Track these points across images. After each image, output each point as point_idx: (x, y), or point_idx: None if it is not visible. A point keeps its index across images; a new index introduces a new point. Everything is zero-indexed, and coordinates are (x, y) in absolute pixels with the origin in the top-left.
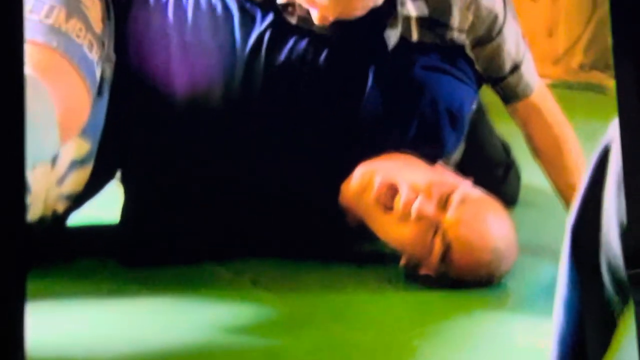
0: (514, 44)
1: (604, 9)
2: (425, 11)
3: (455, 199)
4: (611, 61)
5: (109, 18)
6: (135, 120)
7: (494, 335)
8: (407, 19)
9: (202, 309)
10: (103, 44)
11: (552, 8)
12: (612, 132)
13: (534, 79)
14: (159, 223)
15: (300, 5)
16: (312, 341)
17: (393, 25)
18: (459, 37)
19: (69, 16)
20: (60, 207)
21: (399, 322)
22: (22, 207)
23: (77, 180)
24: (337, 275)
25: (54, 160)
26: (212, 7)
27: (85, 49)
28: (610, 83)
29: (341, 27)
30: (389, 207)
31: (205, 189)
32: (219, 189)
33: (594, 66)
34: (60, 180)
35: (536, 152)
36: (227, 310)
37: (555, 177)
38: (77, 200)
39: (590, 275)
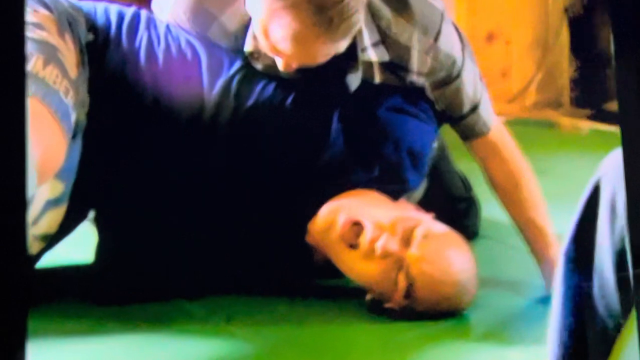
0: (472, 85)
1: (555, 52)
2: (385, 56)
3: (418, 234)
4: (563, 99)
5: (83, 64)
6: (109, 163)
7: None
8: (369, 63)
9: (175, 345)
10: (78, 89)
11: (506, 51)
12: (602, 169)
13: (491, 117)
14: (133, 262)
15: (265, 53)
16: None
17: (355, 69)
18: (419, 79)
19: (46, 63)
20: (34, 248)
21: (367, 354)
22: (23, 247)
23: (51, 220)
24: (306, 310)
25: (28, 201)
26: (182, 53)
27: (62, 95)
28: (562, 120)
29: (306, 73)
30: (353, 245)
31: (177, 229)
32: (190, 229)
33: (546, 104)
34: (35, 221)
35: (495, 186)
36: (201, 346)
37: (513, 210)
38: (50, 241)
39: (583, 300)
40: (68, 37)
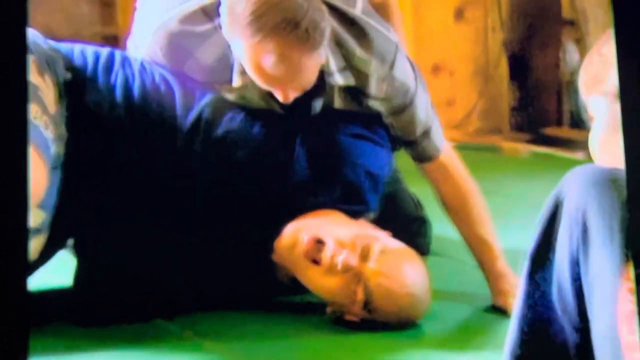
0: (424, 111)
1: (495, 82)
2: (351, 81)
3: (375, 250)
4: (503, 125)
5: (61, 101)
6: (86, 194)
7: None
8: (331, 88)
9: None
10: (57, 124)
11: (450, 82)
12: (563, 185)
13: (442, 141)
14: (110, 286)
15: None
16: None
17: (320, 95)
18: (375, 104)
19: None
20: None
21: None
22: (24, 269)
23: (33, 248)
24: (272, 323)
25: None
26: (156, 87)
27: (42, 129)
28: (503, 144)
29: (274, 102)
30: (316, 261)
31: (151, 253)
32: (164, 252)
33: (488, 130)
34: None
35: (446, 206)
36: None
37: (462, 227)
38: (31, 267)
39: (543, 299)
40: (47, 76)
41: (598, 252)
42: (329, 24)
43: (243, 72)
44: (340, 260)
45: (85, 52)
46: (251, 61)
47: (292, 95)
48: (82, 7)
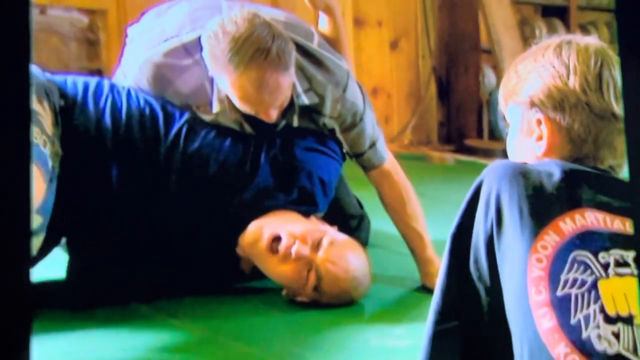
0: (371, 126)
1: (425, 102)
2: (315, 100)
3: (324, 242)
4: (432, 137)
5: (57, 124)
6: (77, 202)
7: (356, 339)
8: (291, 109)
9: (130, 335)
10: (54, 143)
11: (387, 102)
12: (484, 173)
13: (385, 151)
14: (96, 276)
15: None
16: (217, 356)
17: (289, 114)
18: (329, 122)
19: None
20: None
21: (285, 336)
22: (27, 255)
23: (32, 247)
24: (236, 305)
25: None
26: (141, 110)
27: (41, 146)
28: (432, 153)
29: (246, 121)
30: (274, 252)
31: (132, 249)
32: (144, 247)
33: (419, 142)
34: None
35: (386, 205)
36: (149, 336)
37: (400, 222)
38: (31, 262)
39: (461, 269)
40: (45, 104)
41: (510, 230)
42: (293, 47)
43: (221, 100)
44: (293, 250)
45: (76, 82)
46: (237, 91)
47: (274, 114)
48: (70, 46)
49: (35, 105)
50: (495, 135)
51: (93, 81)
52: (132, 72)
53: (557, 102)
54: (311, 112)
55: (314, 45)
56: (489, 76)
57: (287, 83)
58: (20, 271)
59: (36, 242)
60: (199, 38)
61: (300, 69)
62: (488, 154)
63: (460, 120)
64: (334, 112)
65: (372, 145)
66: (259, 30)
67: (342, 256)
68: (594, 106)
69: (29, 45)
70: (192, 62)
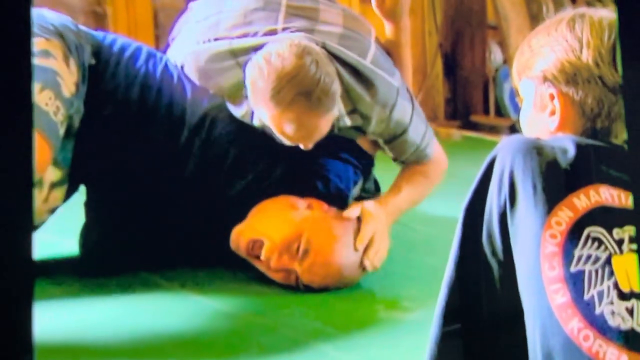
0: (416, 134)
1: (431, 78)
2: (359, 121)
3: (300, 252)
4: (438, 113)
5: (83, 82)
6: (98, 157)
7: (365, 312)
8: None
9: (142, 304)
10: (72, 103)
11: None
12: (498, 148)
13: (430, 150)
14: (110, 242)
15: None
16: (230, 326)
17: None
18: (372, 136)
19: (42, 89)
20: (45, 218)
21: (296, 308)
22: (29, 217)
23: (57, 197)
24: (249, 277)
25: (40, 185)
26: (173, 87)
27: (51, 115)
28: (438, 129)
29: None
30: (258, 257)
31: (147, 218)
32: (159, 218)
33: (426, 118)
34: (46, 199)
35: (400, 179)
36: (162, 305)
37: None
38: (55, 211)
39: (474, 243)
40: (72, 61)
41: (523, 206)
42: (338, 86)
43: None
44: (272, 264)
45: (114, 44)
46: (276, 127)
47: (311, 144)
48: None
49: (57, 64)
50: (502, 111)
51: (132, 46)
52: (179, 55)
53: (570, 76)
54: (352, 128)
55: (367, 61)
56: (496, 52)
57: (327, 122)
58: (21, 238)
59: (61, 193)
60: (247, 47)
61: (347, 91)
62: (494, 130)
63: (467, 96)
64: (377, 130)
65: (416, 150)
66: (305, 70)
67: (320, 263)
68: (607, 80)
69: (29, 35)
70: (235, 63)
